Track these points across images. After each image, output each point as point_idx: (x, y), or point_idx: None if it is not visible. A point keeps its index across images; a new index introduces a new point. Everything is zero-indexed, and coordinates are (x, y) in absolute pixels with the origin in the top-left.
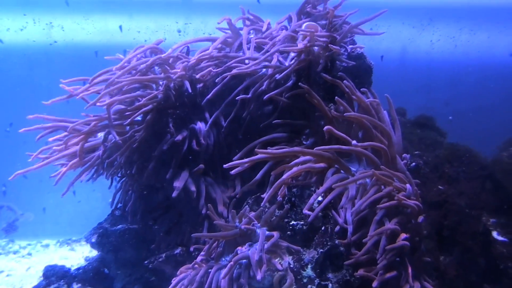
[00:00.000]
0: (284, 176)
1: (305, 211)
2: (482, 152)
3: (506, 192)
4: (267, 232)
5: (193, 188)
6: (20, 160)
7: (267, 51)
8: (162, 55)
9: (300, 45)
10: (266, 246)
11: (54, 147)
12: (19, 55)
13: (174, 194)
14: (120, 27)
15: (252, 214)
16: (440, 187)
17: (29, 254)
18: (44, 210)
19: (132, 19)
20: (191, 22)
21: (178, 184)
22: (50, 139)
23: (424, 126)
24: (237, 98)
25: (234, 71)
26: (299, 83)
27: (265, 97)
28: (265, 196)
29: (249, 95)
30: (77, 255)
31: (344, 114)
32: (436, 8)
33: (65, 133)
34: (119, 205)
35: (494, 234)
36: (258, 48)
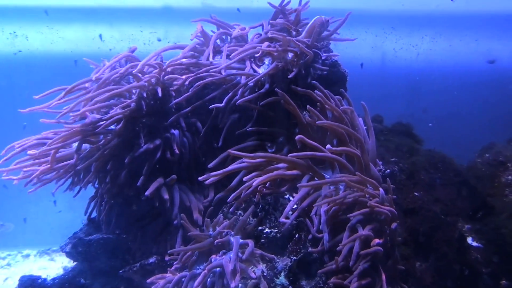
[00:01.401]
0: (254, 183)
1: (282, 219)
2: (463, 159)
3: (480, 198)
4: (241, 241)
5: (166, 196)
6: None
7: (239, 56)
8: (134, 69)
9: (267, 46)
10: (241, 255)
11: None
12: None
13: (148, 192)
14: (100, 35)
15: (226, 222)
16: (416, 193)
17: (8, 264)
18: (25, 220)
19: (113, 28)
20: (156, 31)
21: (148, 191)
22: (29, 151)
23: (401, 133)
24: (210, 107)
25: (206, 79)
26: (275, 89)
27: (237, 102)
28: (235, 200)
29: (223, 104)
30: (57, 265)
31: (317, 122)
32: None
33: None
34: (94, 214)
35: (469, 240)
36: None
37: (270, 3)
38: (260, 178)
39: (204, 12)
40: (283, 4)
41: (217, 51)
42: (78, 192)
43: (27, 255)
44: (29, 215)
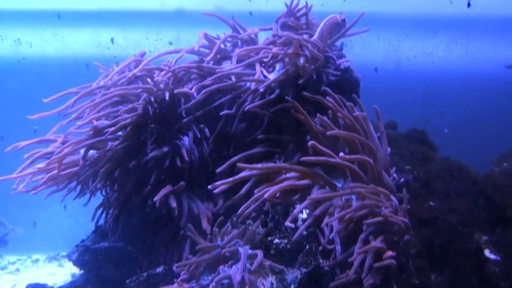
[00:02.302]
0: (266, 195)
1: (287, 223)
2: (480, 167)
3: (498, 209)
4: (250, 251)
5: (174, 205)
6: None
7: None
8: (142, 73)
9: (276, 50)
10: (248, 265)
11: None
12: None
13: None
14: (112, 39)
15: (235, 232)
16: (431, 203)
17: (17, 270)
18: (35, 225)
19: (124, 31)
20: (161, 38)
21: (156, 197)
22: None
23: (416, 140)
24: (221, 113)
25: (215, 86)
26: (286, 97)
27: (246, 108)
28: (243, 213)
29: (233, 110)
30: (65, 272)
31: (327, 133)
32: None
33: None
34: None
35: (487, 252)
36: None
37: (286, 4)
38: (270, 191)
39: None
40: (293, 6)
41: (227, 57)
42: (89, 200)
43: (37, 260)
44: (39, 220)
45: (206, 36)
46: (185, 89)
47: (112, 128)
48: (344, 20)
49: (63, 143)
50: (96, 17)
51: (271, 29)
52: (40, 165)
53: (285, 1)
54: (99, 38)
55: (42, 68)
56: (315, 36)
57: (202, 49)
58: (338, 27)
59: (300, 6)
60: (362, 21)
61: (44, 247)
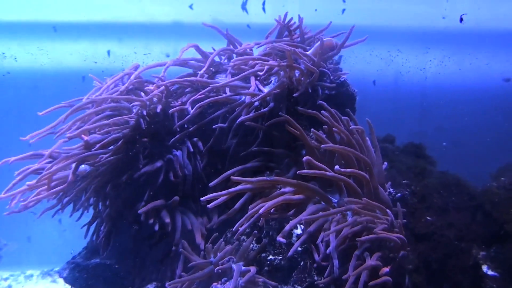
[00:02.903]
0: (261, 211)
1: (279, 238)
2: (478, 181)
3: (496, 224)
4: (243, 268)
5: (167, 220)
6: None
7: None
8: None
9: (272, 62)
10: (240, 281)
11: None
12: None
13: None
14: (108, 52)
15: (228, 248)
16: (428, 218)
17: (9, 286)
18: (29, 239)
19: (122, 43)
20: (150, 52)
21: (141, 210)
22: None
23: (413, 154)
24: (213, 126)
25: (209, 99)
26: (280, 112)
27: (238, 120)
28: (238, 230)
29: (226, 124)
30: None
31: (321, 146)
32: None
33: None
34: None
35: (485, 268)
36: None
37: (276, 20)
38: (265, 206)
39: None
40: (287, 21)
41: (222, 70)
42: (80, 216)
43: (30, 276)
44: (34, 234)
45: (198, 49)
46: (179, 105)
47: (103, 142)
48: (337, 45)
49: (51, 157)
50: (84, 30)
51: (265, 44)
52: (31, 182)
53: (279, 15)
54: (86, 52)
55: (28, 82)
56: (310, 50)
57: (192, 62)
58: (332, 50)
59: (292, 21)
60: (357, 35)
61: (38, 263)
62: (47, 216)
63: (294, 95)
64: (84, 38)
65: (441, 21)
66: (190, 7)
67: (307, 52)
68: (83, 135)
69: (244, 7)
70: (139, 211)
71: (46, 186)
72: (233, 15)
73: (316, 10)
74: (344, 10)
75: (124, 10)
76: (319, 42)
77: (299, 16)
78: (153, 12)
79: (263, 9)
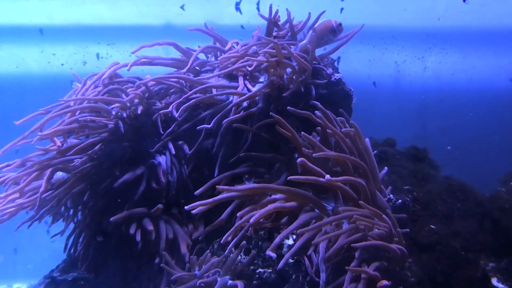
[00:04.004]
0: (251, 220)
1: (269, 252)
2: (485, 187)
3: (505, 233)
4: (230, 281)
5: (150, 228)
6: None
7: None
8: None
9: (261, 58)
10: None
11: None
12: None
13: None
14: (97, 54)
15: (215, 260)
16: (432, 226)
17: None
18: (16, 251)
19: (113, 47)
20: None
21: (113, 218)
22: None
23: (415, 158)
24: (198, 128)
25: (192, 100)
26: (270, 113)
27: (223, 122)
28: (230, 243)
29: (211, 125)
30: None
31: (313, 155)
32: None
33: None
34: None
35: (494, 281)
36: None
37: (261, 15)
38: (255, 216)
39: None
40: (274, 16)
41: (208, 70)
42: (67, 226)
43: None
44: (20, 246)
45: (178, 48)
46: (162, 107)
47: (78, 147)
48: (340, 24)
49: (22, 166)
50: (73, 33)
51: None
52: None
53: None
54: (76, 56)
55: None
56: (304, 41)
57: (159, 60)
58: (332, 34)
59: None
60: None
61: (25, 275)
62: (34, 227)
63: (284, 94)
64: (72, 41)
65: (443, 19)
66: (182, 7)
67: (302, 43)
68: (55, 139)
69: (237, 7)
70: (110, 219)
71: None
72: (228, 17)
73: (309, 13)
74: (342, 9)
75: (114, 12)
76: (311, 32)
77: (287, 10)
78: (145, 14)
79: (258, 9)
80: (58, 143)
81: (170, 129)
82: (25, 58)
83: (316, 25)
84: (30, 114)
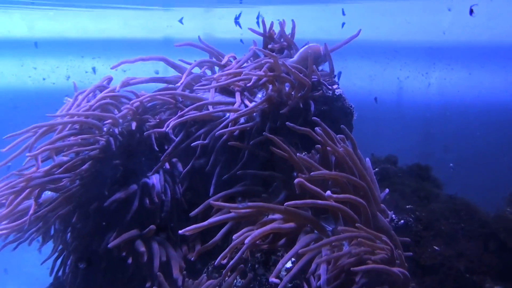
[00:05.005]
0: (246, 241)
1: (272, 279)
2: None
3: (511, 254)
4: None
5: (142, 249)
6: None
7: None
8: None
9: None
10: None
11: None
12: None
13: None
14: (94, 68)
15: (210, 283)
16: (435, 247)
17: None
18: (6, 271)
19: (110, 60)
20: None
21: (111, 244)
22: None
23: (418, 176)
24: (192, 144)
25: (187, 115)
26: (264, 133)
27: (216, 133)
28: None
29: (207, 141)
30: None
31: (311, 174)
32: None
33: None
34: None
35: None
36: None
37: (252, 29)
38: (251, 236)
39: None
40: (269, 30)
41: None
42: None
43: None
44: (11, 266)
45: (168, 62)
46: (156, 124)
47: (67, 165)
48: (326, 50)
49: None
50: (69, 47)
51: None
52: None
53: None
54: (71, 69)
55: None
56: (293, 58)
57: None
58: (319, 58)
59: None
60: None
61: None
62: (25, 246)
63: (282, 111)
64: (68, 54)
65: (446, 34)
66: (180, 21)
67: (292, 59)
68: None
69: (237, 21)
70: (109, 245)
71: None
72: (227, 32)
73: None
74: (344, 23)
75: (113, 26)
76: (303, 49)
77: (279, 22)
78: (143, 28)
79: (257, 23)
80: (39, 163)
81: (169, 149)
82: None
83: (302, 50)
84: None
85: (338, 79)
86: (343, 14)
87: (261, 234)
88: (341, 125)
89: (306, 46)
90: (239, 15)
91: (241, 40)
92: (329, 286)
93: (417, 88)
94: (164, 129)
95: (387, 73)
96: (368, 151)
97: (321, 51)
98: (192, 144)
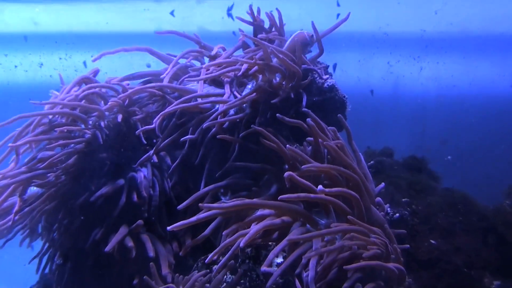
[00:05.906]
0: (241, 244)
1: (264, 268)
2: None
3: (511, 248)
4: None
5: (130, 244)
6: None
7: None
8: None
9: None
10: None
11: None
12: None
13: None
14: (84, 62)
15: (199, 275)
16: (432, 241)
17: None
18: None
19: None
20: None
21: (108, 247)
22: None
23: (414, 168)
24: (181, 139)
25: (173, 107)
26: (252, 125)
27: (204, 126)
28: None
29: (195, 135)
30: None
31: (302, 167)
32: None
33: None
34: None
35: None
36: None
37: (240, 18)
38: (245, 239)
39: (203, 37)
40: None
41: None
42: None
43: None
44: (1, 263)
45: (153, 53)
46: (143, 116)
47: (51, 159)
48: (312, 36)
49: None
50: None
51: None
52: None
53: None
54: (62, 63)
55: None
56: (285, 46)
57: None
58: (306, 46)
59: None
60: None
61: None
62: (15, 243)
63: (273, 101)
64: (59, 48)
65: (441, 25)
66: (172, 13)
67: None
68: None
69: (229, 13)
70: (105, 249)
71: None
72: (220, 24)
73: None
74: (338, 14)
75: (103, 19)
76: (291, 38)
77: (266, 13)
78: (135, 21)
79: (248, 12)
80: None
81: (161, 145)
82: None
83: (292, 36)
84: None
85: (334, 70)
86: (338, 5)
87: (255, 234)
88: (338, 115)
89: (293, 35)
90: (231, 6)
91: (233, 33)
92: (320, 282)
93: (414, 81)
94: (153, 125)
95: (383, 65)
96: (363, 143)
97: (306, 36)
98: (181, 139)
